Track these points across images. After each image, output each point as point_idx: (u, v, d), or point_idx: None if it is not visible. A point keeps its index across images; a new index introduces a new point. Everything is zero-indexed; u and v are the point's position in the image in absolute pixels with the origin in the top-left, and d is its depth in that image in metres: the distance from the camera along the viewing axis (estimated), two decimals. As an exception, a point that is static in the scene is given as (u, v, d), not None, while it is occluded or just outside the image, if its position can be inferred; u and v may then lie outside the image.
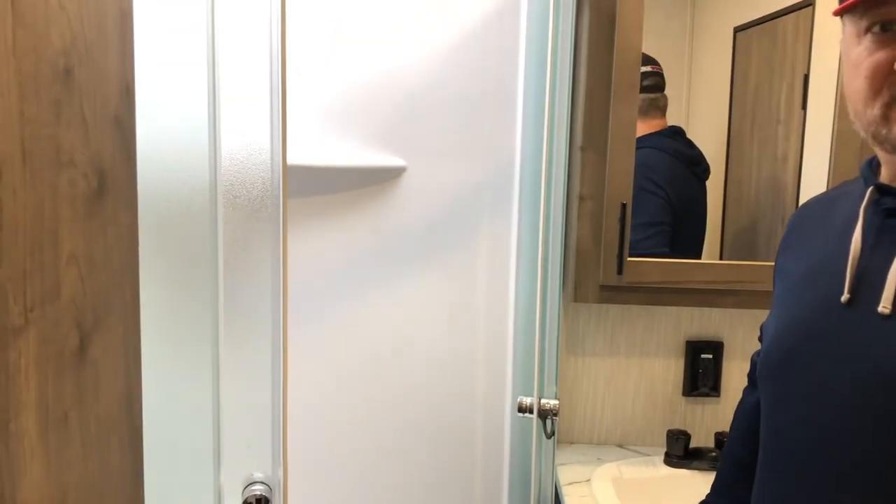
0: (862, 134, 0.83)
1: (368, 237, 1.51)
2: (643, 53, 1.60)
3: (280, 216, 1.05)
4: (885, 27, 0.76)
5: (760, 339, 1.09)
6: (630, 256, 1.54)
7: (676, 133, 1.68)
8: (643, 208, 1.55)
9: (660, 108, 1.67)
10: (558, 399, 1.36)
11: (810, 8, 1.60)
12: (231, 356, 1.07)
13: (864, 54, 0.78)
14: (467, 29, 1.48)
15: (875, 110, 0.78)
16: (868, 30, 0.78)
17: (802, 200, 1.59)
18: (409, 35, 1.47)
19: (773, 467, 0.91)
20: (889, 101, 0.77)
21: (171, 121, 1.01)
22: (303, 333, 1.50)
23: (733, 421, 1.16)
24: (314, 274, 1.50)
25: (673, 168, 1.68)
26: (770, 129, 1.72)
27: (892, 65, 0.75)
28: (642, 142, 1.60)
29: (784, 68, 1.69)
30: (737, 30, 1.70)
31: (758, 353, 1.10)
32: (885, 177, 0.85)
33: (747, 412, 1.12)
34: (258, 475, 1.08)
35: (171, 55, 1.01)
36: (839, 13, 0.82)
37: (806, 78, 1.63)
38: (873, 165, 0.89)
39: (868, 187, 0.85)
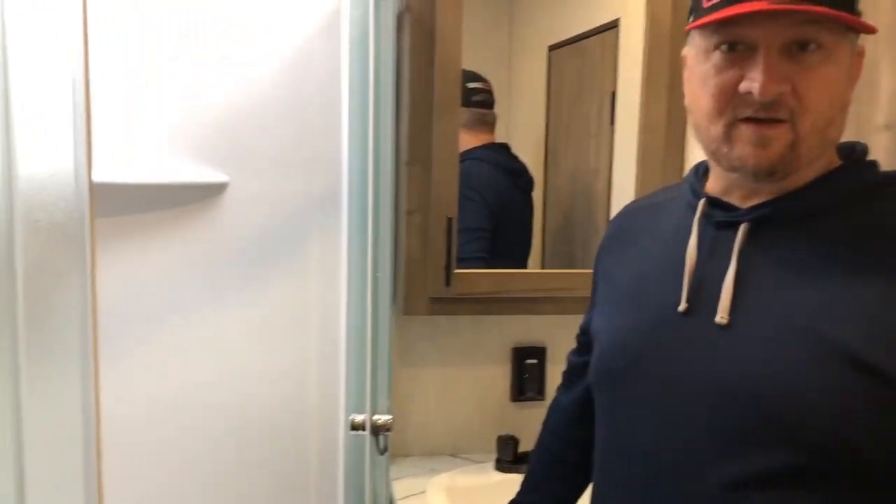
0: (703, 148, 0.84)
1: (189, 257, 1.45)
2: (472, 71, 1.65)
3: (86, 238, 0.97)
4: (732, 47, 0.77)
5: (578, 339, 1.12)
6: (457, 268, 1.57)
7: (501, 147, 1.73)
8: (464, 215, 1.59)
9: (487, 123, 1.72)
10: (391, 414, 1.36)
11: (615, 29, 1.70)
12: (34, 392, 0.98)
13: (712, 72, 0.78)
14: (291, 46, 1.46)
15: (718, 128, 0.79)
16: (716, 47, 0.78)
17: (614, 211, 1.69)
18: (232, 52, 1.43)
19: (612, 476, 0.92)
20: (732, 120, 0.78)
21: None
22: (117, 362, 1.41)
23: (547, 419, 1.17)
24: (129, 298, 1.41)
25: (494, 179, 1.73)
26: (583, 143, 1.82)
27: (738, 86, 0.76)
28: (467, 155, 1.64)
29: (594, 86, 1.79)
30: (551, 48, 1.78)
31: (574, 353, 1.13)
32: (714, 188, 0.87)
33: (562, 410, 1.13)
34: (70, 520, 0.99)
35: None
36: (690, 30, 0.82)
37: (613, 95, 1.74)
38: (699, 173, 0.91)
39: (696, 197, 0.87)
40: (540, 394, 1.72)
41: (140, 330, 1.44)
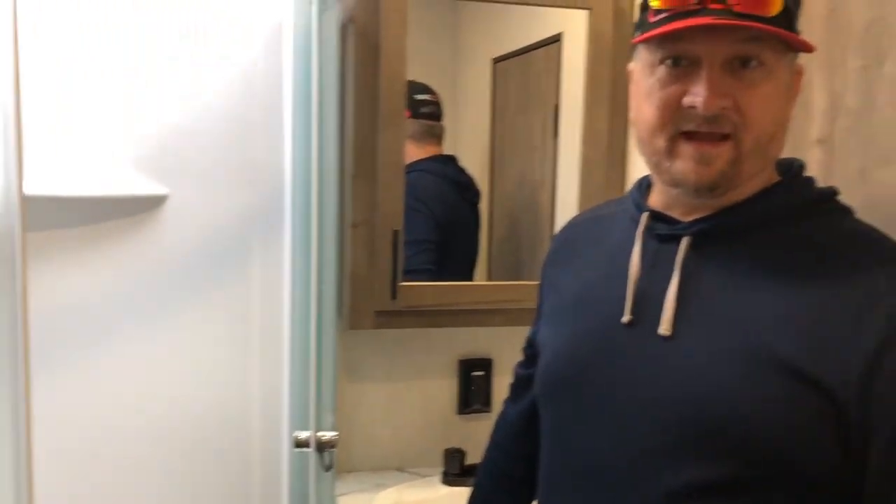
0: (646, 161, 0.84)
1: (126, 271, 1.41)
2: (420, 83, 1.64)
3: (17, 252, 0.94)
4: (676, 62, 0.77)
5: (525, 351, 1.12)
6: (403, 281, 1.56)
7: (448, 159, 1.73)
8: (410, 227, 1.58)
9: (435, 135, 1.71)
10: (336, 430, 1.34)
11: (558, 43, 1.72)
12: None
13: (657, 86, 0.79)
14: (234, 57, 1.44)
15: (661, 142, 0.79)
16: (661, 62, 0.78)
17: (558, 223, 1.70)
18: (175, 62, 1.40)
19: (556, 488, 0.92)
20: (674, 134, 0.78)
21: None
22: (52, 380, 1.36)
23: (493, 432, 1.16)
24: (65, 314, 1.37)
25: (441, 190, 1.73)
26: (528, 154, 1.83)
27: (681, 100, 0.77)
28: (414, 166, 1.63)
29: (537, 99, 1.81)
30: (495, 61, 1.79)
31: (520, 365, 1.12)
32: (657, 202, 0.88)
33: (508, 423, 1.13)
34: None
35: None
36: (636, 44, 0.83)
37: (557, 108, 1.75)
38: (643, 188, 0.92)
39: (639, 211, 0.88)
40: (486, 406, 1.72)
41: (76, 347, 1.39)
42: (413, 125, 1.62)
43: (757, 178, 0.81)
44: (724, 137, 0.77)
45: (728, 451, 0.75)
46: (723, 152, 0.77)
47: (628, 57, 0.89)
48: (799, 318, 0.75)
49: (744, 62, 0.76)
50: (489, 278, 1.79)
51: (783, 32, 0.74)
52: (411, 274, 1.59)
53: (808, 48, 0.77)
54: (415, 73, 1.62)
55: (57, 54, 1.34)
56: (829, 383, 0.72)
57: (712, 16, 0.74)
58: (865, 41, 1.03)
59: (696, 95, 0.76)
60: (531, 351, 1.08)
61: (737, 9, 0.73)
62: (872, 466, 0.72)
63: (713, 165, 0.77)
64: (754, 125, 0.76)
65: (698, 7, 0.75)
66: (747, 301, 0.78)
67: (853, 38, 1.05)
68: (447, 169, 1.73)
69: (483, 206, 1.78)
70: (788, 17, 0.76)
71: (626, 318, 0.84)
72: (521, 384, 1.11)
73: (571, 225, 1.05)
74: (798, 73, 0.82)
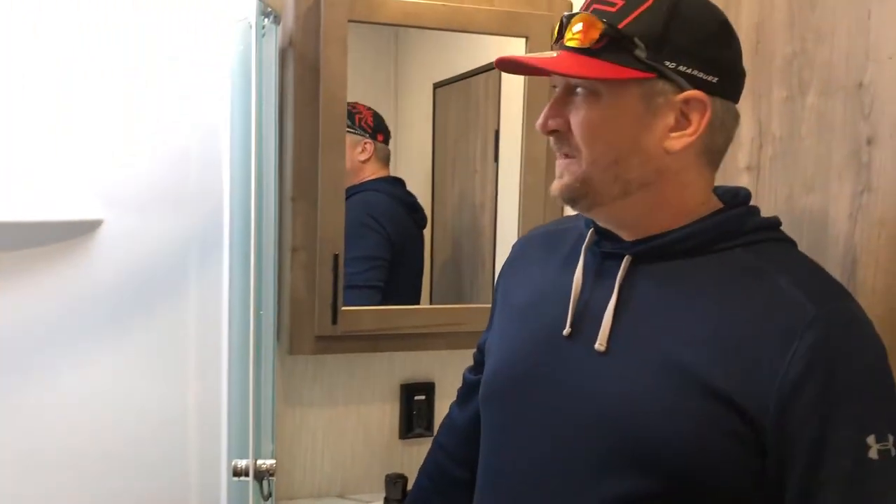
0: None
1: (58, 298, 1.37)
2: (362, 105, 1.65)
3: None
4: (554, 86, 0.86)
5: (475, 357, 1.14)
6: (345, 304, 1.55)
7: (397, 181, 1.74)
8: (363, 242, 1.58)
9: (384, 156, 1.73)
10: (275, 457, 1.32)
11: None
12: None
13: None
14: (172, 80, 1.42)
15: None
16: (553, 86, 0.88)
17: (499, 246, 1.72)
18: (110, 84, 1.37)
19: (491, 493, 0.94)
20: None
21: None
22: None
23: (438, 434, 1.18)
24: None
25: (394, 210, 1.73)
26: (468, 179, 1.85)
27: (545, 126, 0.85)
28: (365, 185, 1.64)
29: (478, 123, 1.83)
30: (436, 86, 1.81)
31: (469, 370, 1.15)
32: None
33: (454, 427, 1.15)
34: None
35: None
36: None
37: (497, 133, 1.77)
38: None
39: (588, 227, 0.91)
40: (429, 430, 1.71)
41: (4, 376, 1.34)
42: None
43: (703, 205, 0.85)
44: (568, 155, 0.84)
45: (648, 467, 0.78)
46: (570, 167, 0.84)
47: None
48: (724, 340, 0.78)
49: (573, 89, 0.83)
50: (431, 301, 1.79)
51: (568, 72, 0.81)
52: (359, 290, 1.58)
53: (580, 75, 0.81)
54: (357, 97, 1.62)
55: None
56: (747, 406, 0.75)
57: (557, 50, 0.83)
58: (788, 73, 1.08)
59: (540, 116, 0.85)
60: (480, 357, 1.10)
61: (568, 43, 0.81)
62: (788, 493, 0.75)
63: (563, 179, 0.85)
64: (584, 145, 0.82)
65: (557, 40, 0.84)
66: (677, 321, 0.81)
67: (777, 70, 1.09)
68: (397, 190, 1.74)
69: (426, 228, 1.78)
70: (617, 46, 0.79)
71: (566, 330, 0.87)
72: (469, 389, 1.13)
73: (527, 238, 1.09)
74: (686, 103, 0.81)
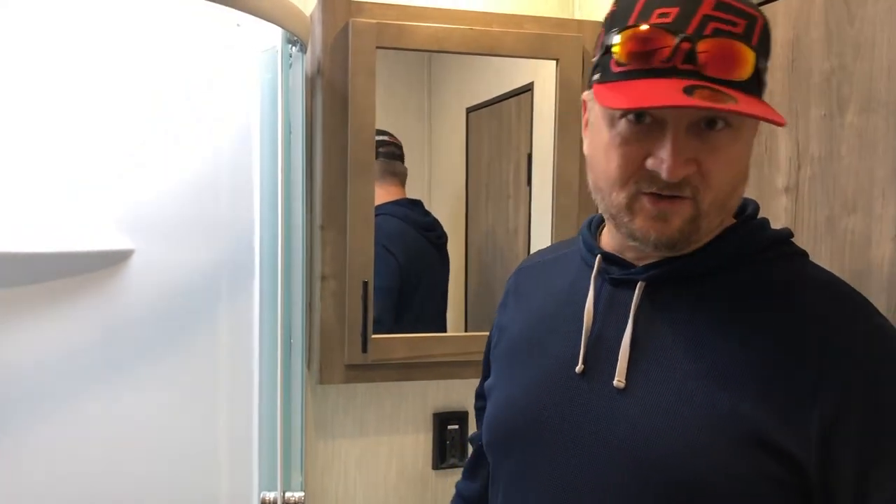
0: (602, 209, 0.82)
1: (89, 329, 1.37)
2: (380, 129, 1.64)
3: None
4: (639, 118, 0.74)
5: (477, 414, 1.09)
6: (374, 333, 1.53)
7: (412, 203, 1.72)
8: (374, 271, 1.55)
9: (396, 174, 1.70)
10: (304, 489, 1.30)
11: (530, 92, 1.73)
12: None
13: (617, 141, 0.76)
14: (202, 110, 1.43)
15: (621, 198, 0.77)
16: (623, 115, 0.75)
17: (533, 271, 1.69)
18: (141, 114, 1.39)
19: None
20: (635, 192, 0.76)
21: None
22: (10, 442, 1.31)
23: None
24: (23, 375, 1.33)
25: (406, 233, 1.71)
26: (502, 203, 1.82)
27: (644, 160, 0.74)
28: (378, 209, 1.62)
29: (510, 147, 1.80)
30: (469, 110, 1.80)
31: (479, 437, 1.05)
32: (609, 244, 0.86)
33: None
34: None
35: None
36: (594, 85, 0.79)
37: (529, 157, 1.75)
38: (593, 227, 0.90)
39: (591, 252, 0.86)
40: (462, 459, 1.68)
41: (36, 407, 1.35)
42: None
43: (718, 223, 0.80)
44: (680, 196, 0.75)
45: None
46: (681, 209, 0.75)
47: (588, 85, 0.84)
48: (754, 368, 0.73)
49: (710, 123, 0.73)
50: (466, 329, 1.76)
51: (756, 114, 0.70)
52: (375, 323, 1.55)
53: (778, 123, 0.71)
54: (391, 123, 1.62)
55: (18, 108, 1.32)
56: (790, 450, 0.70)
57: (682, 78, 0.70)
58: (826, 90, 1.03)
59: (662, 162, 0.72)
60: (482, 404, 1.04)
61: (707, 72, 0.70)
62: None
63: (671, 222, 0.75)
64: (715, 187, 0.74)
65: (667, 66, 0.71)
66: (700, 352, 0.76)
67: (814, 87, 1.05)
68: (411, 211, 1.72)
69: (459, 254, 1.76)
70: (759, 79, 0.75)
71: (579, 367, 0.82)
72: (479, 457, 1.06)
73: (520, 270, 1.03)
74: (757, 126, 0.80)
